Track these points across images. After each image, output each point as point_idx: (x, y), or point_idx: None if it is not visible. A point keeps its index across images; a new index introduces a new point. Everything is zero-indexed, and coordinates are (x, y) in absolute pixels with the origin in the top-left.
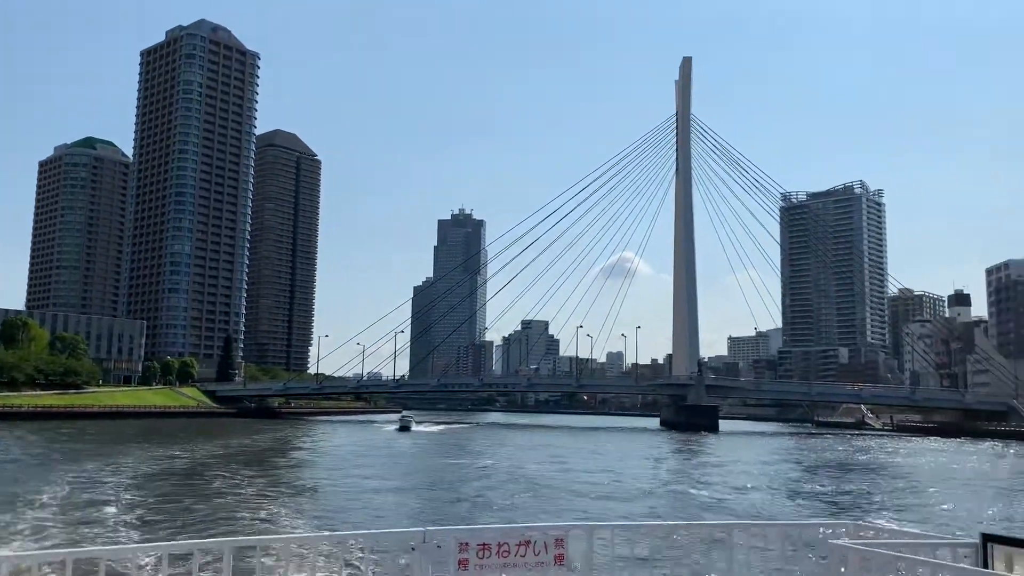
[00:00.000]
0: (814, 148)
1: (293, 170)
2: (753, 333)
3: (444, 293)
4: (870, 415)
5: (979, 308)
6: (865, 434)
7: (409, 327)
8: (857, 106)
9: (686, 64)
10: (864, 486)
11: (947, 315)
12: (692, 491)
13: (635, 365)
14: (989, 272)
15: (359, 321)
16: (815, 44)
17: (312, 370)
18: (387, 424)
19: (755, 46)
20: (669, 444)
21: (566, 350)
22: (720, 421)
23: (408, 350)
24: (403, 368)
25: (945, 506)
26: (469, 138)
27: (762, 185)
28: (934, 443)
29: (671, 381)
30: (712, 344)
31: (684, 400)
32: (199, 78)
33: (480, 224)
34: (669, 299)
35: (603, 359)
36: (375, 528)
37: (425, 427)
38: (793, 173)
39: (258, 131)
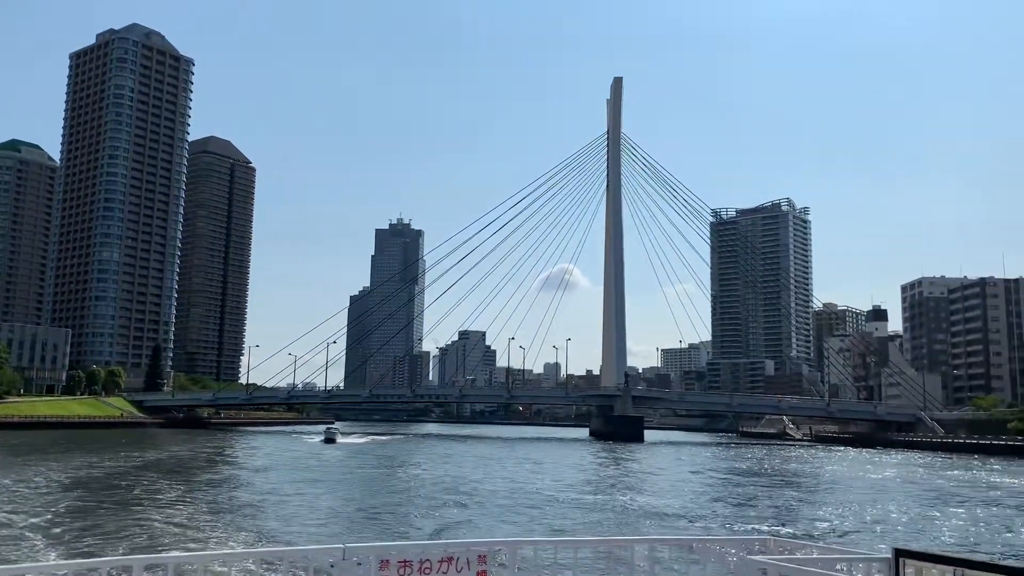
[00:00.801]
0: (745, 166)
1: (227, 177)
2: (686, 345)
3: (380, 302)
4: (791, 426)
5: (897, 323)
6: (784, 444)
7: (345, 337)
8: (786, 126)
9: (617, 84)
10: (772, 495)
11: (866, 330)
12: (605, 500)
13: (569, 376)
14: (904, 289)
15: (295, 331)
16: (750, 65)
17: (244, 380)
18: (313, 436)
19: (692, 66)
20: (593, 454)
21: (504, 361)
22: (650, 431)
23: (344, 360)
24: (339, 379)
25: (840, 514)
26: (408, 148)
27: (690, 204)
28: (840, 452)
29: (599, 392)
30: (647, 356)
31: (612, 411)
32: (130, 83)
33: (419, 234)
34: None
35: (540, 370)
36: (293, 545)
37: (353, 439)
38: (725, 189)
39: (191, 137)
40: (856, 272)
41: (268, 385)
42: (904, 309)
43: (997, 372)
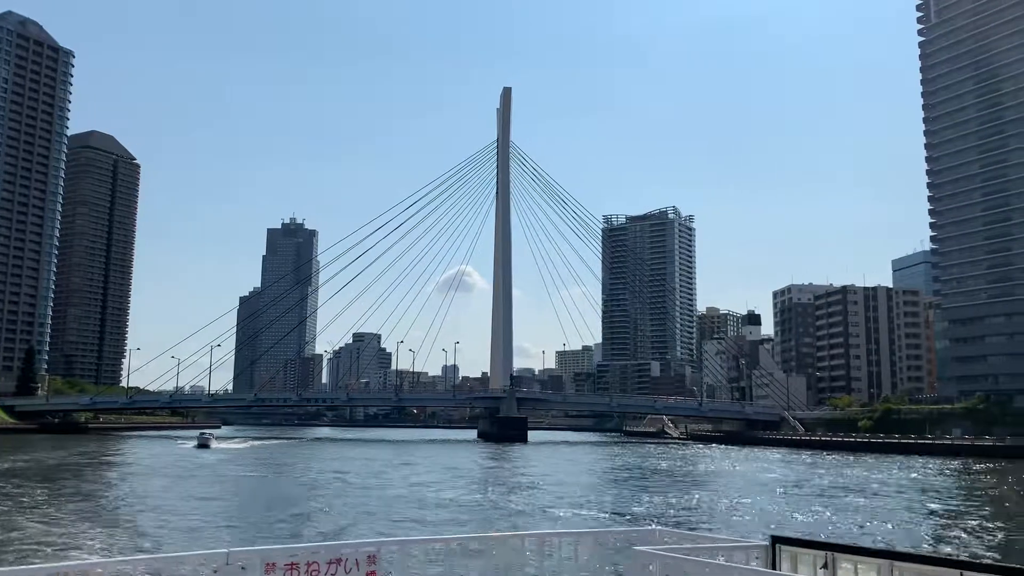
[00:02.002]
0: (638, 173)
1: (109, 173)
2: (580, 347)
3: (270, 303)
4: (671, 424)
5: (770, 327)
6: (660, 442)
7: (233, 339)
8: (674, 135)
9: (506, 94)
10: (633, 488)
11: (741, 334)
12: (483, 498)
13: (464, 379)
14: (775, 295)
15: (183, 332)
16: (644, 74)
17: (125, 383)
18: (188, 441)
19: (587, 73)
20: (472, 454)
21: (399, 363)
22: (537, 432)
23: (232, 362)
24: (228, 381)
25: (697, 502)
26: (302, 147)
27: (578, 213)
28: (703, 448)
29: (485, 394)
30: (546, 357)
31: (498, 412)
32: (4, 73)
33: (312, 234)
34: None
35: (437, 372)
36: (173, 551)
37: (234, 443)
38: (618, 195)
39: (72, 131)
40: (740, 277)
41: (153, 389)
42: (775, 314)
43: (856, 374)
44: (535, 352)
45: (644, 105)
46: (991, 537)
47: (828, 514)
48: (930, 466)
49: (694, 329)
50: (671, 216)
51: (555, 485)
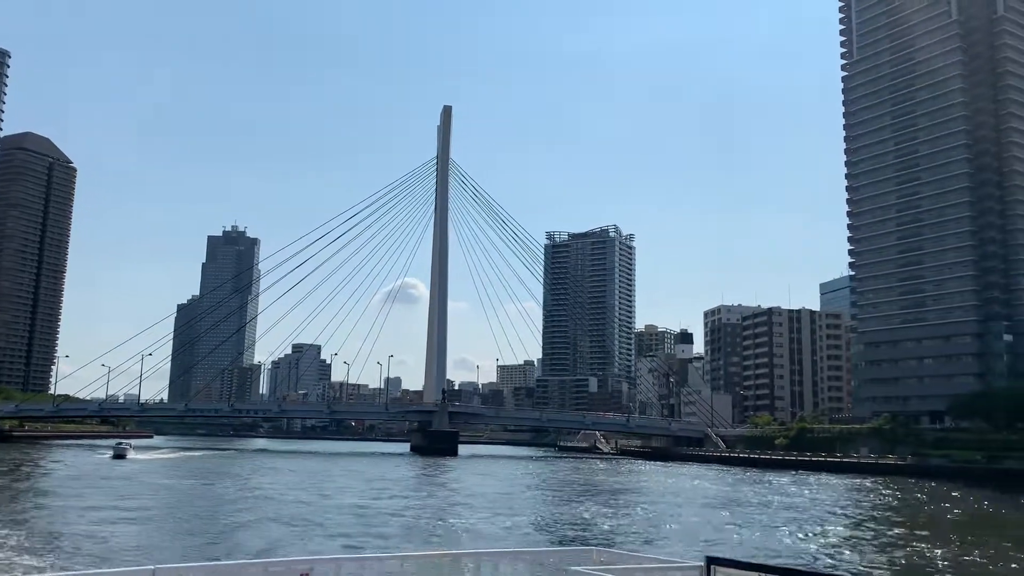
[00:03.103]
0: (582, 190)
1: (44, 176)
2: (521, 362)
3: (208, 310)
4: (602, 440)
5: (702, 346)
6: (590, 457)
7: (170, 346)
8: (620, 154)
9: (447, 112)
10: (528, 500)
11: (674, 352)
12: (393, 517)
13: (404, 391)
14: (706, 315)
15: (118, 339)
16: (592, 93)
17: (55, 390)
18: (107, 451)
19: (536, 91)
20: (398, 467)
21: (340, 375)
22: (471, 446)
23: (168, 371)
24: (163, 389)
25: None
26: (244, 155)
27: (516, 231)
28: (627, 463)
29: (417, 408)
30: (489, 371)
31: (430, 426)
32: None
33: (254, 242)
34: (450, 323)
35: (380, 384)
36: (98, 568)
37: (158, 454)
38: (562, 211)
39: (5, 133)
40: (680, 296)
41: (85, 396)
42: (706, 334)
43: (780, 393)
44: (481, 366)
45: (591, 124)
46: (883, 552)
47: (701, 525)
48: (833, 482)
49: (632, 346)
50: (612, 235)
51: (457, 495)
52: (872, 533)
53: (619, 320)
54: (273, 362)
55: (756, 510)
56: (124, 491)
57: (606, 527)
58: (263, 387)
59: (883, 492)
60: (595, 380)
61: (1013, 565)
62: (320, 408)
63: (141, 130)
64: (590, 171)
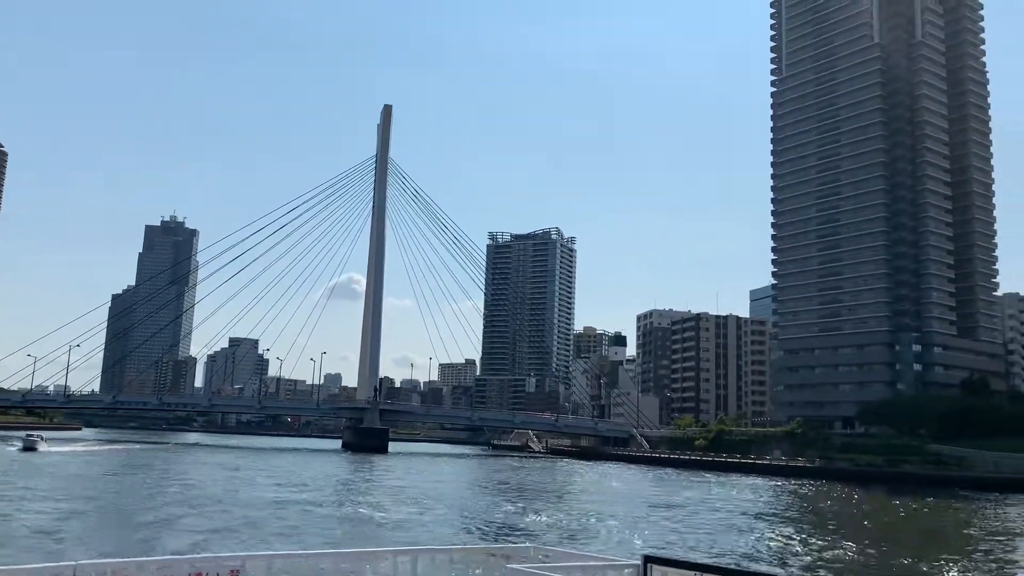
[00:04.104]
0: (527, 192)
1: None
2: (463, 360)
3: (142, 301)
4: (534, 439)
5: (634, 348)
6: (520, 456)
7: (103, 337)
8: (563, 157)
9: (387, 111)
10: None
11: (608, 353)
12: (320, 511)
13: (344, 388)
14: (639, 318)
15: (49, 328)
16: (540, 94)
17: None
18: (17, 442)
19: (486, 91)
20: (327, 464)
21: (280, 370)
22: (403, 443)
23: (100, 362)
24: (93, 379)
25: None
26: (185, 144)
27: (457, 233)
28: (551, 461)
29: (348, 405)
30: (431, 369)
31: (362, 423)
32: None
33: (193, 233)
34: (394, 321)
35: (320, 380)
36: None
37: (76, 447)
38: (506, 213)
39: None
40: (621, 298)
41: (10, 387)
42: (638, 337)
43: (705, 396)
44: (422, 364)
45: (538, 126)
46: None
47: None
48: (739, 482)
49: (570, 347)
50: (554, 237)
51: (353, 491)
52: (744, 527)
53: (558, 321)
54: (209, 355)
55: (653, 507)
56: (21, 484)
57: (479, 523)
58: (198, 380)
59: (784, 492)
60: (533, 380)
61: (870, 551)
62: (252, 403)
63: (78, 115)
64: (535, 173)
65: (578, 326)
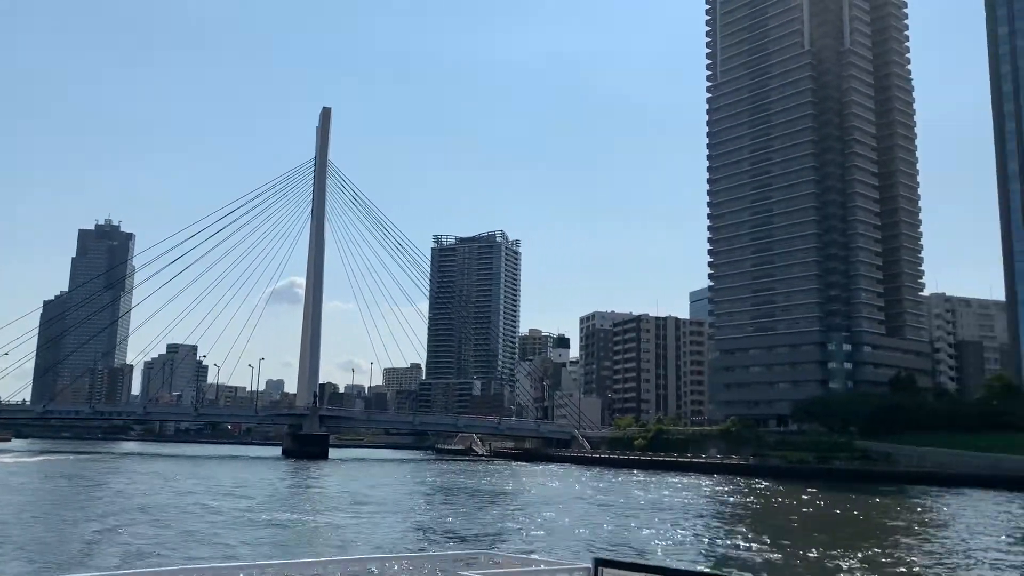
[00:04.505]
0: (472, 195)
1: None
2: (408, 364)
3: (75, 306)
4: (478, 442)
5: (578, 350)
6: (463, 459)
7: (35, 344)
8: (510, 161)
9: (326, 114)
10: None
11: (552, 356)
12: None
13: (285, 395)
14: (582, 320)
15: None
16: (487, 99)
17: None
18: None
19: (431, 95)
20: (270, 471)
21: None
22: (353, 449)
23: (32, 371)
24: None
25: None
26: (119, 146)
27: (400, 237)
28: (493, 464)
29: (287, 411)
30: (376, 374)
31: (301, 429)
32: None
33: (129, 237)
34: (337, 326)
35: (262, 386)
36: None
37: (8, 457)
38: (451, 215)
39: None
40: (567, 301)
41: None
42: (581, 339)
43: (646, 396)
44: (367, 368)
45: (485, 131)
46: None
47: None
48: (678, 482)
49: (516, 350)
50: (499, 240)
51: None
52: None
53: (503, 324)
54: (146, 362)
55: (592, 506)
56: None
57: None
58: (136, 388)
59: (712, 490)
60: (479, 383)
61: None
62: (188, 411)
63: (7, 117)
64: (480, 177)
65: (523, 329)
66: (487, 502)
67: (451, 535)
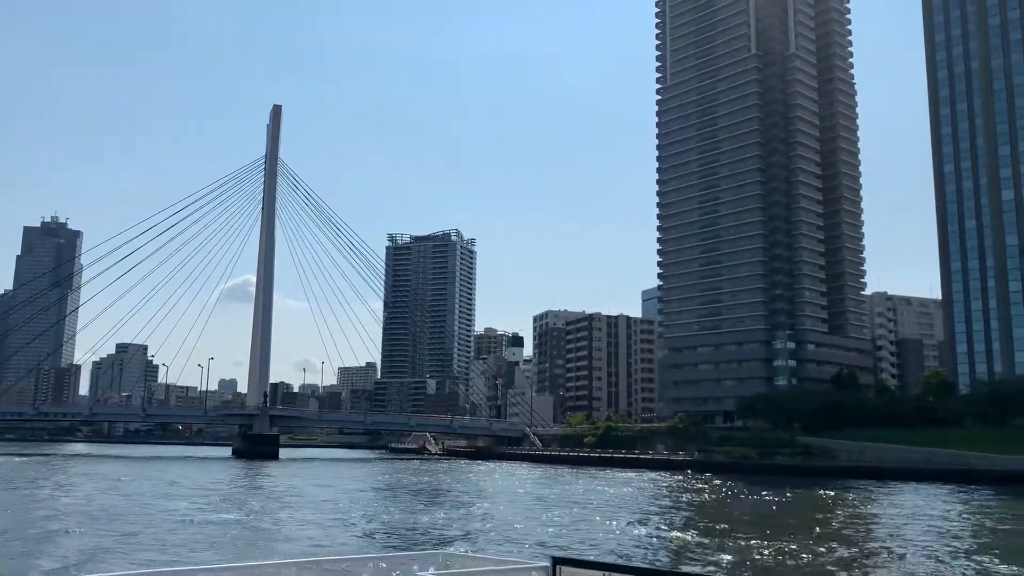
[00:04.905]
0: (427, 194)
1: None
2: (363, 363)
3: (20, 305)
4: (432, 441)
5: (532, 349)
6: (416, 458)
7: None
8: (467, 159)
9: (276, 112)
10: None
11: (506, 354)
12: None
13: (237, 395)
14: (535, 319)
15: None
16: (441, 99)
17: None
18: None
19: (386, 92)
20: (219, 471)
21: (173, 376)
22: (295, 449)
23: None
24: None
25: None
26: (66, 143)
27: (353, 237)
28: (444, 462)
29: (237, 411)
30: (332, 373)
31: (251, 429)
32: None
33: (76, 235)
34: (292, 325)
35: (214, 386)
36: None
37: None
38: (408, 214)
39: None
40: (524, 299)
41: None
42: (534, 337)
43: (598, 394)
44: (320, 368)
45: (440, 129)
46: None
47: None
48: (623, 477)
49: (471, 349)
50: (454, 238)
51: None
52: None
53: (459, 323)
54: (95, 362)
55: (534, 500)
56: None
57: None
58: (83, 388)
59: (656, 485)
60: (433, 382)
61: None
62: (136, 412)
63: None
64: (435, 176)
65: (479, 327)
66: (430, 500)
67: (392, 534)
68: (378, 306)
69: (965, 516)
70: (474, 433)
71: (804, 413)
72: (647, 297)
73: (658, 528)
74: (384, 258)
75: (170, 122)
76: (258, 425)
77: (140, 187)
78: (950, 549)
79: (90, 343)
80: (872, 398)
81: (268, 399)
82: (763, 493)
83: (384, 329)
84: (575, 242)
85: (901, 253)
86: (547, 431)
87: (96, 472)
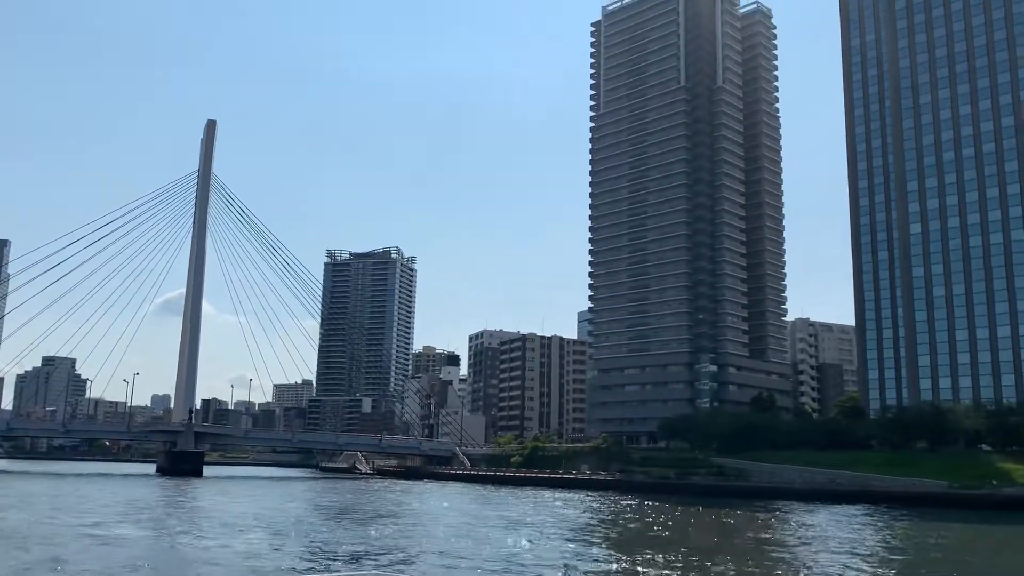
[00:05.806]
0: (368, 211)
1: None
2: (299, 380)
3: None
4: (362, 460)
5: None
6: (345, 477)
7: None
8: (406, 177)
9: (211, 126)
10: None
11: (442, 374)
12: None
13: (166, 410)
14: (471, 339)
15: None
16: (388, 114)
17: None
18: None
19: (330, 107)
20: (139, 489)
21: (104, 391)
22: (226, 467)
23: None
24: None
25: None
26: None
27: (287, 254)
28: (369, 481)
29: (161, 428)
30: (267, 390)
31: (176, 446)
32: None
33: (4, 244)
34: (228, 340)
35: (147, 402)
36: None
37: None
38: (346, 231)
39: None
40: (464, 318)
41: None
42: (470, 357)
43: (530, 414)
44: (256, 384)
45: (383, 146)
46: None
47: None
48: (548, 498)
49: (409, 367)
50: (394, 256)
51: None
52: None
53: (397, 341)
54: (19, 375)
55: (451, 524)
56: None
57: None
58: (6, 402)
59: (570, 505)
60: (368, 401)
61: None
62: (56, 427)
63: None
64: (375, 194)
65: (418, 345)
66: (338, 516)
67: (300, 556)
68: (312, 325)
69: (850, 534)
70: (404, 452)
71: (722, 434)
72: (582, 319)
73: (560, 549)
74: (323, 274)
75: (104, 131)
76: (183, 442)
77: (72, 197)
78: (830, 564)
79: (14, 355)
80: (788, 420)
81: (194, 415)
82: (674, 512)
83: (320, 346)
84: (515, 261)
85: (825, 281)
86: (476, 451)
87: (16, 489)
